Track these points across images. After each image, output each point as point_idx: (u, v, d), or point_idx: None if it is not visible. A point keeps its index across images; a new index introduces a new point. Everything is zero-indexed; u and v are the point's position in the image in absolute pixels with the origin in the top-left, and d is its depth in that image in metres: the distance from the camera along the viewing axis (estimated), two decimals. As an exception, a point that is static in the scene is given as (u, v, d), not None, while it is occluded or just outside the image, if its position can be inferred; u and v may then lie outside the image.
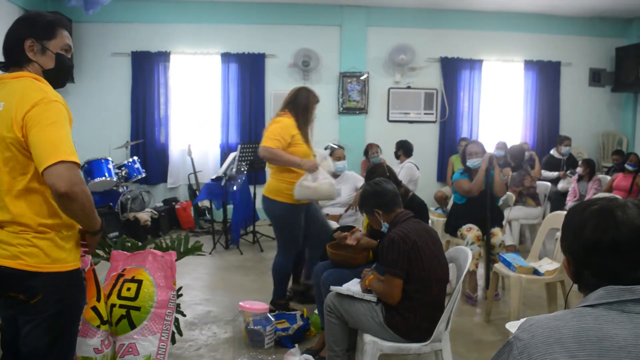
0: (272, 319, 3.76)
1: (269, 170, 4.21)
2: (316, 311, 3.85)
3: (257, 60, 8.08)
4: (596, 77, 8.97)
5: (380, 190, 2.98)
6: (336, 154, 4.70)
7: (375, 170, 3.80)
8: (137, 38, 7.87)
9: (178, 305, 3.19)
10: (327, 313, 3.03)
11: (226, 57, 8.02)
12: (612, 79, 8.86)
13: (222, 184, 6.31)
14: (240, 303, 3.99)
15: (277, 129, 3.91)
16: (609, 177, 7.00)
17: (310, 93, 4.12)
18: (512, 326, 2.74)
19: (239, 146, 6.38)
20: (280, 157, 3.86)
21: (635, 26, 8.77)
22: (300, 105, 4.06)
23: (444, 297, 2.91)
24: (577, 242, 1.27)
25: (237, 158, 6.25)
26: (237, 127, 8.14)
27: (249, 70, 8.06)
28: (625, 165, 6.66)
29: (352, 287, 3.03)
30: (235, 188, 6.36)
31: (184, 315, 3.60)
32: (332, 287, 3.06)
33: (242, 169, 6.33)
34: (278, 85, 8.14)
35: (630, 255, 1.22)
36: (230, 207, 6.55)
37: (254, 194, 6.60)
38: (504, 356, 1.22)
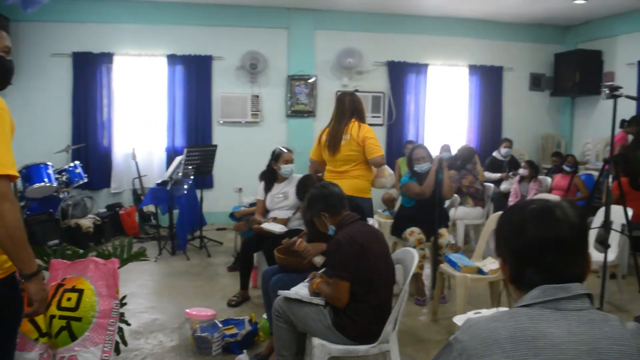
0: (220, 325, 3.70)
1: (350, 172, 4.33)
2: (264, 316, 3.83)
3: (203, 62, 7.98)
4: (536, 82, 9.29)
5: (327, 193, 2.98)
6: (284, 157, 4.68)
7: (305, 182, 3.81)
8: (78, 38, 7.61)
9: (122, 314, 3.09)
10: (276, 317, 3.01)
11: (172, 59, 7.87)
12: (551, 83, 9.21)
13: (168, 188, 6.18)
14: (187, 310, 3.92)
15: (375, 137, 4.28)
16: (549, 178, 7.26)
17: (357, 97, 4.43)
18: (460, 319, 2.79)
19: (186, 150, 6.26)
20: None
21: (572, 33, 9.14)
22: (362, 112, 4.39)
23: (391, 298, 2.93)
24: (519, 240, 1.29)
25: (183, 162, 6.14)
26: (183, 131, 8.00)
27: (195, 72, 7.94)
28: (563, 167, 6.93)
29: (300, 290, 3.02)
30: (181, 192, 6.24)
31: (129, 325, 3.49)
32: (280, 292, 3.04)
33: (189, 173, 6.22)
34: (225, 88, 8.07)
35: (569, 251, 1.26)
36: (176, 212, 6.42)
37: (201, 198, 6.49)
38: (444, 357, 1.24)
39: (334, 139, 4.29)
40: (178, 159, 6.44)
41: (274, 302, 3.05)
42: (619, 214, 4.37)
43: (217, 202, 7.87)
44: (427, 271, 4.92)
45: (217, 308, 4.30)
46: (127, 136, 7.86)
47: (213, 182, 8.10)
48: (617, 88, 3.84)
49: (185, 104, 7.97)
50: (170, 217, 6.45)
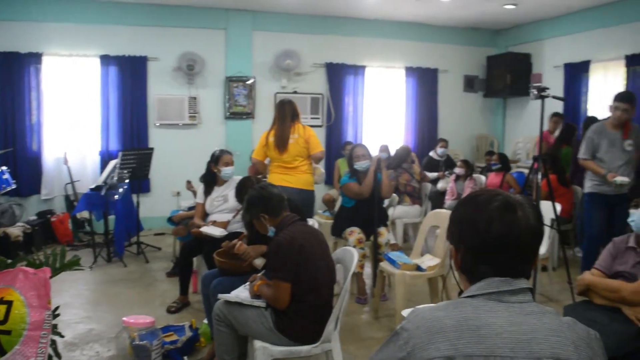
0: (159, 333, 3.61)
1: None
2: (205, 321, 3.77)
3: (138, 63, 7.77)
4: (470, 84, 9.59)
5: (266, 195, 2.97)
6: (224, 159, 4.62)
7: (244, 184, 3.79)
8: (4, 37, 7.23)
9: (55, 326, 2.96)
10: (216, 322, 2.97)
11: (105, 59, 7.63)
12: (484, 85, 9.52)
13: (103, 193, 5.98)
14: (124, 318, 3.81)
15: (316, 136, 4.92)
16: (483, 177, 7.50)
17: (294, 103, 4.92)
18: (407, 312, 2.83)
19: (120, 153, 6.08)
20: None
21: (503, 37, 9.49)
22: (299, 116, 4.88)
23: (332, 298, 2.95)
24: (480, 237, 1.29)
25: (118, 166, 5.96)
26: (118, 133, 7.77)
27: (130, 73, 7.72)
28: (491, 165, 7.21)
29: (241, 293, 2.99)
30: (116, 197, 6.06)
31: (62, 336, 3.33)
32: (220, 295, 3.00)
33: (124, 177, 6.05)
34: (161, 89, 7.89)
35: (527, 252, 1.29)
36: (111, 217, 6.23)
37: (138, 202, 6.32)
38: (390, 345, 1.26)
39: (281, 139, 4.73)
40: (112, 162, 6.24)
41: (214, 306, 3.01)
42: (548, 209, 4.57)
43: (154, 207, 7.68)
44: (367, 270, 4.98)
45: (157, 315, 4.20)
46: (58, 140, 7.54)
47: (150, 186, 7.90)
48: (544, 89, 4.02)
49: (119, 106, 7.74)
50: (105, 223, 6.24)
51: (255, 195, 3.01)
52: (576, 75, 7.89)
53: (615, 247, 2.68)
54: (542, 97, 4.03)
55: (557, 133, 7.16)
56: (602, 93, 7.60)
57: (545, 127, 6.09)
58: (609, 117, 4.83)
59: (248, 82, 8.20)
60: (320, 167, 5.45)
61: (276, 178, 4.73)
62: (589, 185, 4.89)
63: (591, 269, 2.71)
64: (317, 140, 4.87)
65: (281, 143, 4.72)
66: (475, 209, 1.32)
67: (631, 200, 2.66)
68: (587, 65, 7.75)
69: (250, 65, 8.25)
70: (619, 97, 4.70)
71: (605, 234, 4.75)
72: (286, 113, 4.79)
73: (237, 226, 4.37)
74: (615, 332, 2.34)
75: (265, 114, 8.37)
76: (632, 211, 2.59)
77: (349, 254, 3.05)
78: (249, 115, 8.30)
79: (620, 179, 4.53)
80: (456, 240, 1.37)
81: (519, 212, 1.28)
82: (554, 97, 4.20)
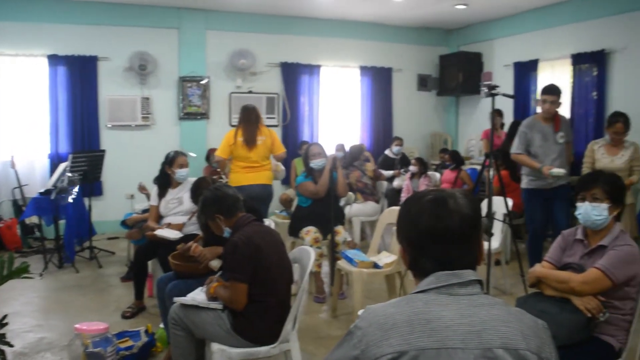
0: (113, 339, 3.52)
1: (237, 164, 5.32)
2: (161, 325, 3.71)
3: (88, 63, 7.57)
4: (423, 82, 9.73)
5: (221, 195, 2.93)
6: (178, 161, 4.53)
7: (199, 185, 3.75)
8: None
9: (3, 336, 2.86)
10: (172, 326, 2.92)
11: (54, 59, 7.40)
12: (437, 84, 9.68)
13: (52, 197, 5.80)
14: (77, 325, 3.69)
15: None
16: (437, 174, 7.63)
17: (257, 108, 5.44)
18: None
19: (70, 156, 5.91)
20: None
21: (455, 36, 9.67)
22: (261, 120, 5.37)
23: (289, 298, 2.94)
24: (414, 230, 1.34)
25: (68, 168, 5.80)
26: (68, 136, 7.55)
27: (79, 74, 7.51)
28: (445, 163, 7.38)
29: (197, 296, 2.95)
30: (67, 201, 5.89)
31: (11, 346, 3.19)
32: (176, 298, 2.95)
33: (75, 181, 5.88)
34: (113, 90, 7.71)
35: (461, 242, 1.32)
36: (62, 222, 6.05)
37: (90, 206, 6.16)
38: (345, 344, 1.26)
39: (250, 140, 5.17)
40: (62, 165, 6.05)
41: (170, 310, 2.96)
42: (500, 205, 4.67)
43: (107, 210, 7.49)
44: (325, 269, 4.99)
45: (111, 321, 4.10)
46: (4, 143, 7.27)
47: (102, 189, 7.71)
48: (494, 87, 4.11)
49: (69, 107, 7.52)
50: (56, 228, 6.05)
51: (210, 196, 2.97)
52: (525, 73, 8.11)
53: (564, 239, 2.76)
54: (493, 95, 4.12)
55: (503, 130, 7.36)
56: (550, 91, 7.84)
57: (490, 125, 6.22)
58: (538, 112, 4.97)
59: (202, 82, 8.10)
60: (281, 165, 5.87)
61: (240, 177, 5.14)
62: (525, 181, 4.98)
63: (542, 261, 2.78)
64: (280, 141, 5.45)
65: (249, 143, 5.15)
66: (411, 205, 1.37)
67: (577, 194, 2.73)
68: (535, 64, 7.98)
69: (204, 65, 8.15)
70: (546, 90, 4.81)
71: (545, 228, 4.91)
72: (252, 116, 5.25)
73: (193, 228, 4.30)
74: (565, 321, 2.41)
75: (220, 114, 8.30)
76: (578, 204, 2.66)
77: (306, 253, 3.05)
78: (203, 115, 8.20)
79: (556, 170, 4.62)
80: (400, 237, 1.41)
81: (450, 203, 1.32)
82: (504, 95, 4.30)
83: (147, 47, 7.74)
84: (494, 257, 5.07)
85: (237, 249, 2.70)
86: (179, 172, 4.52)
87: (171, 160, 4.55)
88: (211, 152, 7.33)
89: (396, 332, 1.19)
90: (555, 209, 4.85)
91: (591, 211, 2.59)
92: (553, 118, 4.83)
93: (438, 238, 1.31)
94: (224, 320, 2.79)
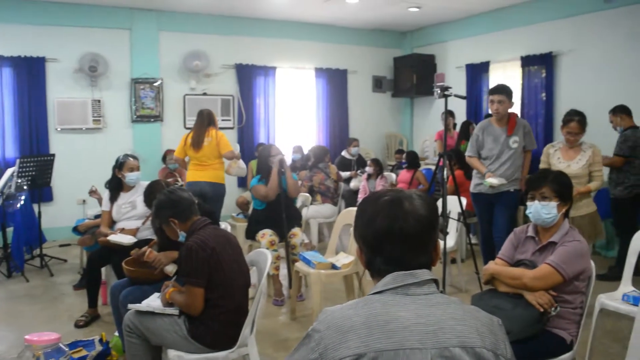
0: (66, 349, 3.42)
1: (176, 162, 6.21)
2: (116, 333, 3.62)
3: (36, 64, 7.31)
4: (378, 84, 9.83)
5: (176, 199, 2.88)
6: (128, 164, 4.43)
7: (153, 188, 3.68)
8: None
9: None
10: (127, 333, 2.85)
11: (-2, 61, 7.14)
12: (392, 85, 9.80)
13: (-1, 204, 5.60)
14: (27, 336, 3.56)
15: (226, 138, 5.76)
16: (393, 175, 7.72)
17: (212, 112, 5.84)
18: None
19: (18, 160, 5.71)
20: None
21: (409, 38, 9.81)
22: (215, 122, 5.79)
23: (247, 301, 2.91)
24: (370, 231, 1.34)
25: (15, 174, 5.60)
26: (15, 139, 7.28)
27: (26, 75, 7.25)
28: (401, 164, 7.49)
29: (152, 302, 2.89)
30: (15, 208, 5.68)
31: (-45, 359, 3.11)
32: (130, 305, 2.88)
33: (23, 186, 5.68)
34: (62, 92, 7.48)
35: (416, 243, 1.32)
36: (10, 229, 5.83)
37: (39, 212, 5.95)
38: (303, 348, 1.25)
39: (197, 141, 5.60)
40: (9, 171, 5.83)
41: (125, 317, 2.89)
42: (455, 204, 4.76)
43: (58, 216, 7.27)
44: (283, 271, 4.97)
45: (64, 331, 3.98)
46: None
47: (52, 194, 7.47)
48: (447, 88, 4.17)
49: (16, 110, 7.25)
50: (3, 236, 5.83)
51: (164, 200, 2.91)
52: (477, 75, 8.30)
53: (516, 237, 2.83)
54: (445, 96, 4.18)
55: (455, 130, 7.51)
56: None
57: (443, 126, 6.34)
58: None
59: (155, 84, 7.96)
60: (240, 162, 6.19)
61: (192, 174, 5.68)
62: (472, 185, 4.92)
63: (495, 258, 2.84)
64: (226, 141, 5.68)
65: (197, 144, 5.59)
66: (367, 206, 1.38)
67: (526, 193, 2.81)
68: (487, 66, 8.18)
69: (158, 66, 8.01)
70: (492, 90, 4.72)
71: (490, 231, 4.79)
72: (204, 120, 5.70)
73: (147, 233, 4.22)
74: (519, 317, 2.47)
75: (174, 117, 8.18)
76: (529, 203, 2.74)
77: (263, 255, 3.03)
78: (157, 118, 8.06)
79: (490, 181, 4.50)
80: (356, 237, 1.41)
81: (406, 204, 1.32)
82: (456, 96, 4.37)
83: (97, 48, 7.55)
84: (450, 256, 5.16)
85: (192, 253, 2.65)
86: (129, 176, 4.43)
87: (121, 164, 4.45)
88: (167, 153, 7.24)
89: (354, 335, 1.18)
90: (496, 214, 4.72)
91: (541, 209, 2.67)
92: (508, 121, 4.69)
93: (393, 239, 1.31)
94: (180, 326, 2.74)
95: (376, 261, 1.34)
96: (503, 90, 4.67)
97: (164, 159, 7.27)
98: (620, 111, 5.30)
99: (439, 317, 1.23)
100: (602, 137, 5.39)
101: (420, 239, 1.33)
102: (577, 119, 4.38)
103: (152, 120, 8.03)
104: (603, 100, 6.00)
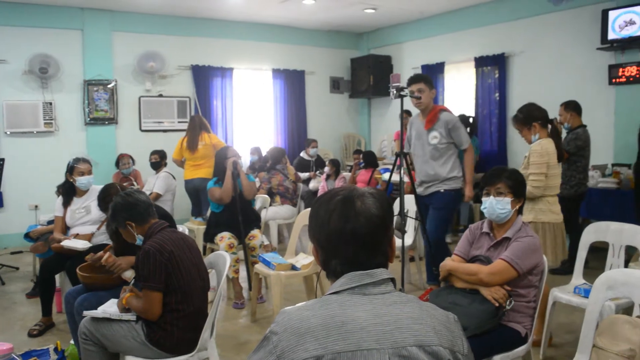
0: (19, 359, 3.32)
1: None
2: (72, 342, 3.52)
3: (-18, 66, 7.08)
4: (336, 85, 9.88)
5: (133, 201, 2.82)
6: (78, 169, 4.30)
7: (108, 192, 3.60)
8: None
9: None
10: (83, 341, 2.78)
11: (-59, 63, 6.87)
12: (349, 86, 9.87)
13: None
14: (-24, 347, 3.44)
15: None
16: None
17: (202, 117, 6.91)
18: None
19: (-35, 166, 5.51)
20: None
21: (365, 39, 9.90)
22: (207, 126, 6.81)
23: (206, 305, 2.88)
24: (323, 232, 1.33)
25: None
26: (-39, 144, 7.02)
27: (-28, 78, 7.01)
28: (359, 164, 7.55)
29: (108, 308, 2.83)
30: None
31: None
32: (85, 312, 2.81)
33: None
34: (11, 95, 7.24)
35: (369, 242, 1.32)
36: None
37: (-11, 219, 5.77)
38: (261, 350, 1.23)
39: (192, 145, 6.56)
40: (-44, 176, 5.63)
41: (80, 324, 2.82)
42: (412, 203, 4.81)
43: (9, 223, 7.04)
44: (243, 274, 4.94)
45: (17, 340, 3.87)
46: None
47: (3, 200, 7.22)
48: (402, 88, 4.20)
49: (-39, 114, 7.00)
50: (-50, 244, 5.63)
51: (121, 202, 2.85)
52: (433, 75, 8.42)
53: (471, 233, 2.89)
54: (401, 96, 4.20)
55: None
56: (456, 92, 8.22)
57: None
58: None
59: (109, 86, 7.79)
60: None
61: (187, 173, 6.66)
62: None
63: (452, 255, 2.89)
64: (222, 143, 6.54)
65: (192, 147, 6.55)
66: (320, 206, 1.37)
67: (482, 189, 2.87)
68: (442, 67, 8.33)
69: (111, 67, 7.85)
70: (409, 81, 4.52)
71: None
72: (196, 124, 6.62)
73: (103, 238, 4.12)
74: (475, 312, 2.52)
75: (129, 119, 8.02)
76: (484, 199, 2.80)
77: (222, 258, 3.00)
78: (111, 120, 7.88)
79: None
80: (311, 238, 1.40)
81: (358, 204, 1.32)
82: (411, 96, 4.43)
83: (48, 49, 7.33)
84: (408, 254, 5.22)
85: (149, 257, 2.60)
86: (80, 180, 4.31)
87: (71, 169, 4.34)
88: (120, 157, 7.09)
89: (311, 337, 1.17)
90: (428, 215, 4.60)
91: (495, 205, 2.73)
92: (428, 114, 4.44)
93: (346, 239, 1.30)
94: (138, 331, 2.69)
95: (332, 262, 1.34)
96: (420, 79, 4.48)
97: (117, 164, 7.11)
98: (573, 108, 5.41)
99: (396, 317, 1.23)
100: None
101: (373, 239, 1.32)
102: (513, 118, 4.00)
103: (106, 122, 7.85)
104: (553, 99, 6.17)
